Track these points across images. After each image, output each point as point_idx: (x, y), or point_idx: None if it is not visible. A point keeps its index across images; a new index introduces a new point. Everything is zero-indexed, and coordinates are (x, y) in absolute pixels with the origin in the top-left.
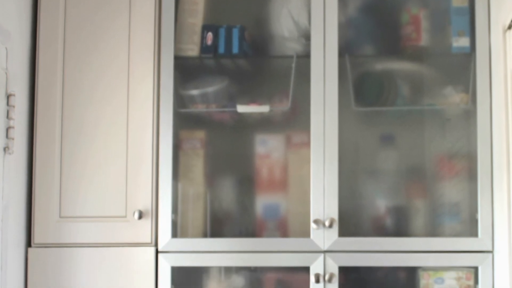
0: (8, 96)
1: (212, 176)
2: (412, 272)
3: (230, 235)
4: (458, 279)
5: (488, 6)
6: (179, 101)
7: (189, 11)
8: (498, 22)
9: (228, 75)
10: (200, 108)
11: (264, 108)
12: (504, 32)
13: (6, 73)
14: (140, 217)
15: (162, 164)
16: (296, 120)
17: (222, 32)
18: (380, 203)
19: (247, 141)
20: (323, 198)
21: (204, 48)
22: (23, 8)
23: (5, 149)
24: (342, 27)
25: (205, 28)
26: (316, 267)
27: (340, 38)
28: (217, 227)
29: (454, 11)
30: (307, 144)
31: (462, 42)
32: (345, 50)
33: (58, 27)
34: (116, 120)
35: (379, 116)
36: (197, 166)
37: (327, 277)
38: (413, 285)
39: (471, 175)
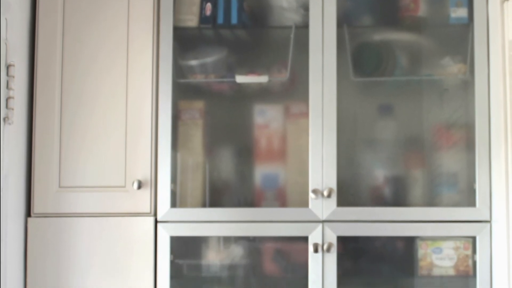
0: (7, 67)
1: (211, 146)
2: (410, 242)
3: (229, 205)
4: (456, 248)
5: None
6: (178, 71)
7: None
8: None
9: (227, 45)
10: (199, 79)
11: (263, 79)
12: (502, 2)
13: (6, 44)
14: (139, 187)
15: (161, 134)
16: (294, 90)
17: (221, 3)
18: (379, 173)
19: (246, 112)
20: (321, 168)
21: (203, 19)
22: None
23: (5, 119)
24: None
25: None
26: (314, 237)
27: (339, 9)
28: (216, 197)
29: None
30: (306, 114)
31: (460, 12)
32: (343, 20)
33: None
34: (116, 90)
35: (377, 87)
36: (196, 136)
37: (325, 246)
38: (411, 255)
39: (469, 145)
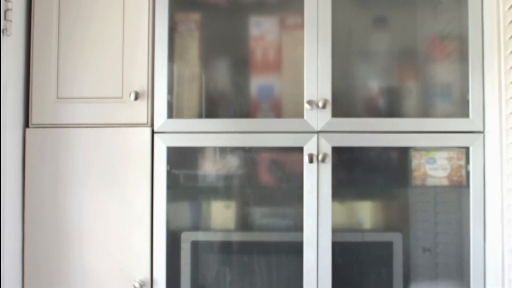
0: None
1: (207, 58)
2: (404, 152)
3: (225, 115)
4: (450, 159)
5: None
6: None
7: None
8: None
9: None
10: None
11: None
12: None
13: None
14: (136, 98)
15: (157, 46)
16: (289, 2)
17: None
18: (373, 84)
19: (242, 23)
20: (316, 80)
21: None
22: None
23: (3, 31)
24: None
25: None
26: (309, 147)
27: None
28: (212, 107)
29: None
30: (301, 26)
31: None
32: None
33: None
34: (112, 2)
35: None
36: (192, 48)
37: (320, 157)
38: (405, 165)
39: (463, 57)
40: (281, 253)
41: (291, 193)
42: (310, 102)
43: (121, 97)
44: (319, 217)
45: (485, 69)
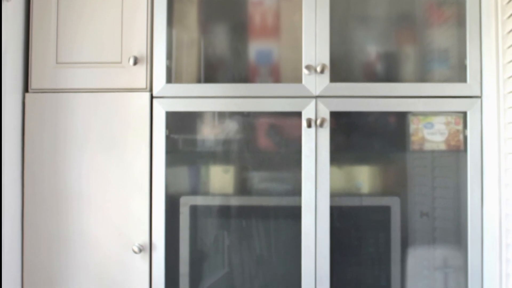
0: None
1: (206, 23)
2: (402, 117)
3: (224, 80)
4: (447, 123)
5: None
6: None
7: None
8: None
9: None
10: None
11: None
12: None
13: None
14: (135, 63)
15: (156, 11)
16: None
17: None
18: (371, 49)
19: None
20: (314, 44)
21: None
22: None
23: None
24: None
25: None
26: (308, 112)
27: None
28: (210, 72)
29: None
30: None
31: None
32: None
33: None
34: None
35: None
36: (191, 13)
37: (318, 121)
38: (403, 130)
39: (460, 22)
40: (280, 218)
41: (290, 157)
42: (308, 67)
43: (120, 62)
44: (317, 182)
45: (483, 34)
